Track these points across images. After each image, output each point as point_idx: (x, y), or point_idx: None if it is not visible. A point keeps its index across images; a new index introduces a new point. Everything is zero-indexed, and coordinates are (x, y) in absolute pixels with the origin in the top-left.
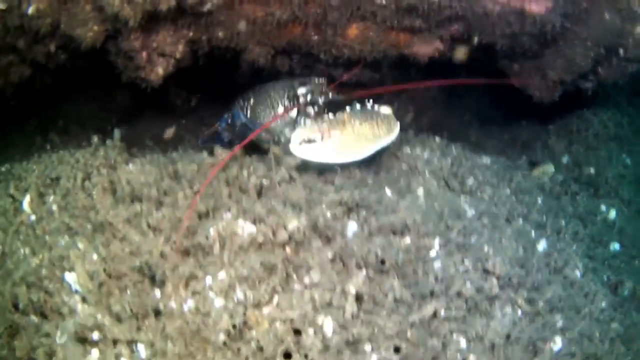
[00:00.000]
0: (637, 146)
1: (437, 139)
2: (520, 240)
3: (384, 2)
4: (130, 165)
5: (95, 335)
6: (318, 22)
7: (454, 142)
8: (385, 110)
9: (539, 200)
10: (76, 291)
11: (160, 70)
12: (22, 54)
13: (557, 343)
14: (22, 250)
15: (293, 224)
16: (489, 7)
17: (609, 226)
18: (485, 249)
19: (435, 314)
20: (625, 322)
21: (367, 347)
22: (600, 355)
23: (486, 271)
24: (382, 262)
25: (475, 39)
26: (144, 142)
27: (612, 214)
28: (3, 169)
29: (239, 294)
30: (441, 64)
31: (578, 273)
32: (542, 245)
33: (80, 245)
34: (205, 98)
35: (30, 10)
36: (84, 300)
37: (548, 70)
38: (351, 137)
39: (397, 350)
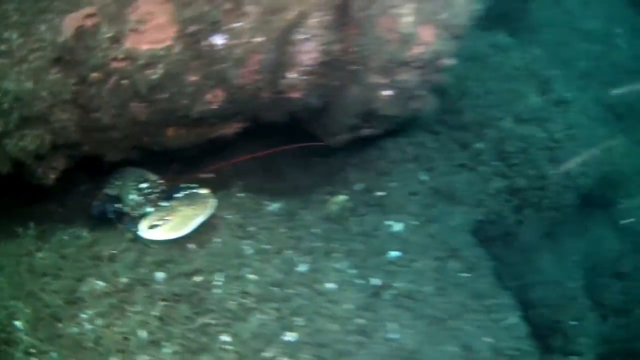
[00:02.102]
0: (440, 160)
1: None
2: (281, 266)
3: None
4: None
5: None
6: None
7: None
8: (203, 191)
9: (319, 230)
10: None
11: None
12: None
13: (293, 335)
14: None
15: None
16: (265, 98)
17: (394, 237)
18: (251, 277)
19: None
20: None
21: None
22: (334, 342)
23: (246, 293)
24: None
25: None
26: None
27: (398, 227)
28: None
29: None
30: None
31: (332, 285)
32: (301, 268)
33: None
34: None
35: None
36: None
37: (327, 128)
38: (180, 219)
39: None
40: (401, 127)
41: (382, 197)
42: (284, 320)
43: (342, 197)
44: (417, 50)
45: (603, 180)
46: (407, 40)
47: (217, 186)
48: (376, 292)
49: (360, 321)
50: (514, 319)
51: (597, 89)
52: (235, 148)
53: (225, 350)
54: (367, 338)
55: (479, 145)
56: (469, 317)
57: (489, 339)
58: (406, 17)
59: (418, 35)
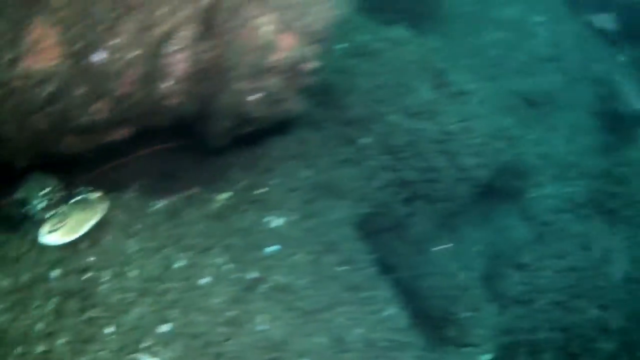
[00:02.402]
0: (324, 156)
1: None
2: (161, 262)
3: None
4: None
5: None
6: None
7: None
8: (97, 194)
9: (200, 227)
10: None
11: None
12: None
13: (168, 327)
14: None
15: None
16: (146, 106)
17: (273, 232)
18: (133, 273)
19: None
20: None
21: None
22: (204, 333)
23: (128, 288)
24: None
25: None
26: None
27: (277, 222)
28: None
29: None
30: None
31: (207, 279)
32: (179, 263)
33: None
34: None
35: None
36: None
37: (208, 131)
38: (74, 222)
39: None
40: (285, 126)
41: (263, 193)
42: (160, 313)
43: (224, 195)
44: (278, 57)
45: (505, 171)
46: (268, 48)
47: (112, 188)
48: (250, 285)
49: (231, 313)
50: (391, 310)
51: (508, 78)
52: (132, 151)
53: (109, 340)
54: (236, 329)
55: (365, 140)
56: (342, 309)
57: (361, 331)
58: (266, 27)
59: (278, 43)
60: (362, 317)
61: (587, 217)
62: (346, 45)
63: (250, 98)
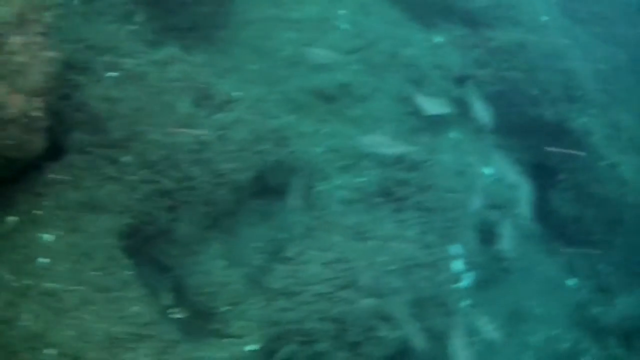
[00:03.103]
0: (89, 177)
1: None
2: None
3: None
4: None
5: None
6: None
7: None
8: None
9: None
10: None
11: None
12: None
13: None
14: None
15: None
16: None
17: (44, 247)
18: None
19: None
20: (14, 310)
21: None
22: None
23: None
24: None
25: None
26: None
27: (50, 237)
28: None
29: None
30: None
31: None
32: None
33: None
34: None
35: None
36: None
37: None
38: None
39: None
40: (55, 153)
41: (39, 215)
42: None
43: (12, 218)
44: (11, 112)
45: (276, 170)
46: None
47: None
48: (24, 291)
49: (4, 314)
50: (136, 308)
51: (301, 77)
52: None
53: None
54: (4, 326)
55: (125, 158)
56: (91, 307)
57: (104, 325)
58: None
59: (9, 102)
60: (107, 314)
61: (375, 206)
62: (115, 73)
63: None
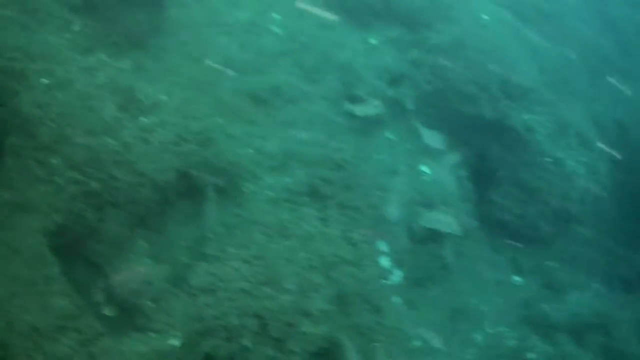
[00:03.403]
0: (19, 178)
1: None
2: None
3: None
4: None
5: None
6: None
7: None
8: None
9: None
10: None
11: None
12: None
13: None
14: None
15: None
16: None
17: None
18: None
19: None
20: None
21: None
22: None
23: None
24: None
25: None
26: None
27: None
28: None
29: None
30: None
31: None
32: None
33: None
34: None
35: None
36: None
37: None
38: None
39: None
40: None
41: None
42: None
43: None
44: None
45: (202, 170)
46: None
47: None
48: None
49: None
50: (61, 302)
51: (232, 80)
52: None
53: None
54: None
55: (54, 161)
56: (17, 301)
57: (29, 317)
58: None
59: None
60: (32, 307)
61: (301, 205)
62: (47, 80)
63: None
